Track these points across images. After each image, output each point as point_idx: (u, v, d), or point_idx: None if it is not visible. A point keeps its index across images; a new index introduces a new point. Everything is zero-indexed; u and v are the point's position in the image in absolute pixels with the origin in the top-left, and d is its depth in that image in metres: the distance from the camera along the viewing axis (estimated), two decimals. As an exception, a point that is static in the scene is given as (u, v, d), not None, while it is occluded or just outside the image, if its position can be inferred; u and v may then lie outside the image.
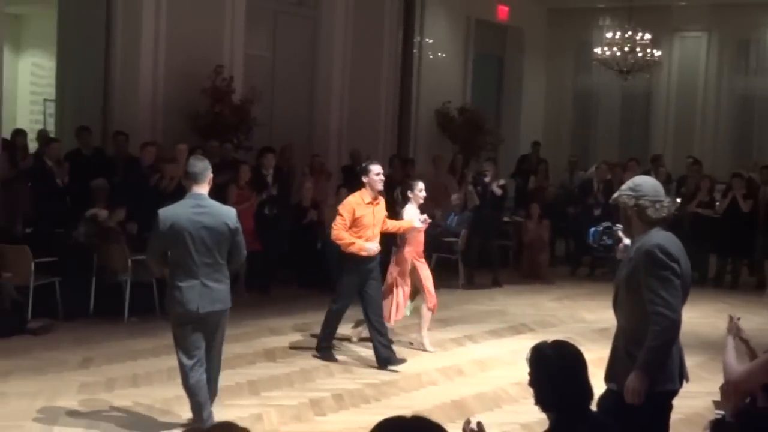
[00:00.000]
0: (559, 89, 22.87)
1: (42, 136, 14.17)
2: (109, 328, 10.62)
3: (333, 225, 9.67)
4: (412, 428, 3.00)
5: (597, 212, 16.18)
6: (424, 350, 10.45)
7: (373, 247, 9.54)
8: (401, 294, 10.28)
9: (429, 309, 10.47)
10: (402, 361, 9.71)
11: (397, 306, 10.28)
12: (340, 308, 9.82)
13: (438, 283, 14.44)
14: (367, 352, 10.21)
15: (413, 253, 10.30)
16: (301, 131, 16.86)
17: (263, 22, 16.40)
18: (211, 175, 7.30)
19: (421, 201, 10.39)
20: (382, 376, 9.32)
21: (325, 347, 9.92)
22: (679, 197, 15.54)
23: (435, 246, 14.69)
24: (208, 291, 7.07)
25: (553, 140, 21.57)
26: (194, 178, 7.17)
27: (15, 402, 7.95)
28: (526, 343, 10.63)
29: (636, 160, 17.44)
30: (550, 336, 10.24)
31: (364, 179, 9.67)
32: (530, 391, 8.38)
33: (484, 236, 15.02)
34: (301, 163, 15.34)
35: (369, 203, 9.64)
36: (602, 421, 4.20)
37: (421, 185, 10.46)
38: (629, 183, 5.41)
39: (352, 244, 9.50)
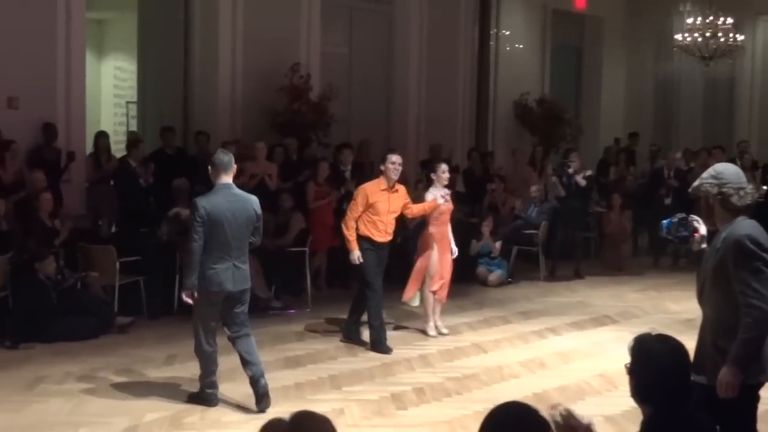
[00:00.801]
0: (639, 78, 22.53)
1: (130, 139, 14.40)
2: (191, 326, 10.73)
3: (348, 209, 10.02)
4: (521, 414, 3.18)
5: (668, 201, 15.96)
6: (440, 333, 10.63)
7: (353, 256, 9.83)
8: (415, 275, 10.56)
9: (432, 292, 10.55)
10: (389, 350, 9.86)
11: (408, 286, 10.63)
12: (370, 295, 9.95)
13: (519, 275, 14.51)
14: (447, 345, 10.21)
15: (437, 235, 10.39)
16: (379, 127, 16.91)
17: (339, 19, 16.48)
18: (236, 166, 7.99)
19: (445, 182, 10.50)
20: (464, 369, 9.28)
21: (352, 331, 10.28)
22: (765, 184, 15.23)
23: (515, 238, 14.62)
24: (238, 272, 7.74)
25: (633, 130, 21.24)
26: (223, 169, 7.77)
27: (104, 398, 8.11)
28: (608, 335, 10.72)
29: (721, 147, 17.13)
30: (633, 328, 10.21)
31: (382, 167, 9.95)
32: (614, 383, 8.44)
33: (569, 228, 14.87)
34: (379, 159, 15.34)
35: (384, 190, 9.88)
36: (701, 419, 4.10)
37: (444, 167, 10.59)
38: (710, 171, 5.28)
39: (347, 240, 9.86)
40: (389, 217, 9.93)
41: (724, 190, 5.10)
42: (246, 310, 7.97)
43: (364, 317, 10.21)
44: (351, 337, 10.24)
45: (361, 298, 10.12)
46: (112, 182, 13.05)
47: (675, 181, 16.06)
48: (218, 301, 7.76)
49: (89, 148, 13.17)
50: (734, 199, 5.09)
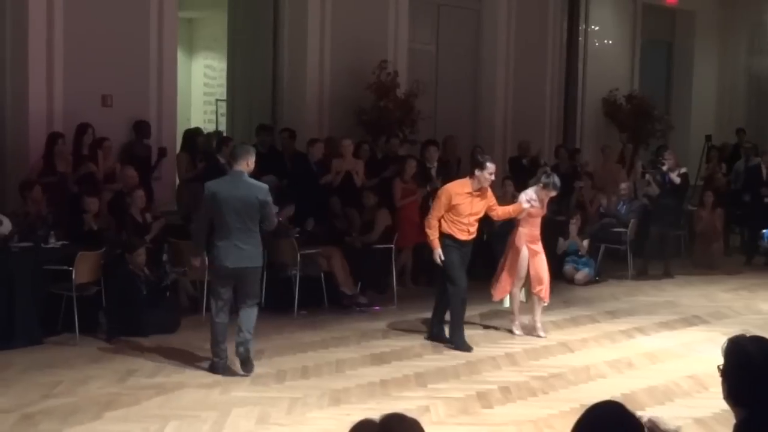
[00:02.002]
0: (732, 73, 22.09)
1: (218, 137, 14.57)
2: (279, 322, 10.87)
3: (431, 209, 9.97)
4: (620, 415, 3.17)
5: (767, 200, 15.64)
6: (537, 335, 10.47)
7: (435, 255, 9.77)
8: (505, 275, 10.50)
9: (535, 294, 10.46)
10: (469, 348, 9.83)
11: (500, 286, 10.56)
12: (453, 292, 9.89)
13: (606, 274, 14.35)
14: (533, 344, 10.16)
15: (527, 236, 10.32)
16: (466, 124, 16.89)
17: (426, 15, 16.49)
18: (251, 158, 8.82)
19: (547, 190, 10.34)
20: (550, 368, 9.22)
21: (438, 330, 10.21)
22: None
23: (603, 236, 14.47)
24: (238, 251, 8.59)
25: (725, 126, 20.84)
26: (233, 159, 8.93)
27: (192, 392, 8.24)
28: (698, 336, 10.56)
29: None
30: (724, 329, 10.05)
31: (477, 172, 9.78)
32: (704, 384, 8.30)
33: (662, 226, 14.65)
34: (466, 155, 15.32)
35: (469, 193, 9.77)
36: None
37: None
38: None
39: (429, 239, 9.83)
40: (471, 219, 9.84)
41: None
42: (252, 287, 8.82)
43: (448, 315, 10.19)
44: (437, 335, 10.20)
45: (443, 296, 10.10)
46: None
47: None
48: (223, 275, 8.72)
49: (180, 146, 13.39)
50: None
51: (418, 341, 10.24)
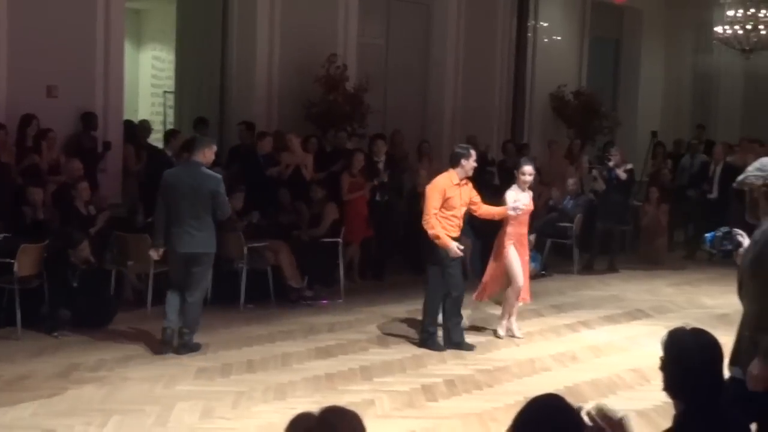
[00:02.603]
0: (678, 71, 22.34)
1: (143, 126, 14.43)
2: (226, 315, 10.82)
3: (425, 210, 9.52)
4: (557, 407, 3.21)
5: (712, 196, 15.84)
6: (513, 336, 10.32)
7: (455, 248, 9.47)
8: (492, 277, 10.26)
9: (512, 295, 10.20)
10: (471, 347, 9.70)
11: (484, 286, 10.34)
12: (433, 297, 9.71)
13: (552, 268, 14.46)
14: (479, 338, 10.21)
15: (514, 236, 10.08)
16: (415, 118, 16.91)
17: (376, 10, 16.49)
18: (209, 150, 9.31)
19: (527, 184, 10.18)
20: (495, 362, 9.28)
21: (427, 336, 9.79)
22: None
23: (549, 231, 14.57)
24: (190, 237, 9.07)
25: (672, 123, 21.08)
26: (189, 150, 9.67)
27: (136, 386, 8.18)
28: (642, 329, 10.67)
29: (759, 141, 16.96)
30: (667, 322, 10.13)
31: (463, 161, 9.55)
32: (647, 377, 8.39)
33: (608, 221, 14.80)
34: (413, 150, 15.36)
35: (457, 185, 9.61)
36: (733, 415, 4.06)
37: (526, 168, 10.14)
38: (756, 164, 5.26)
39: (439, 237, 9.43)
40: (462, 210, 9.68)
41: None
42: (202, 274, 9.27)
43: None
44: (456, 341, 9.81)
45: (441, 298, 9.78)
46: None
47: (719, 176, 15.85)
48: (177, 259, 9.23)
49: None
50: None
51: (364, 335, 10.25)
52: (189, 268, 9.19)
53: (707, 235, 5.76)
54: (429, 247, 9.56)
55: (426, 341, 9.72)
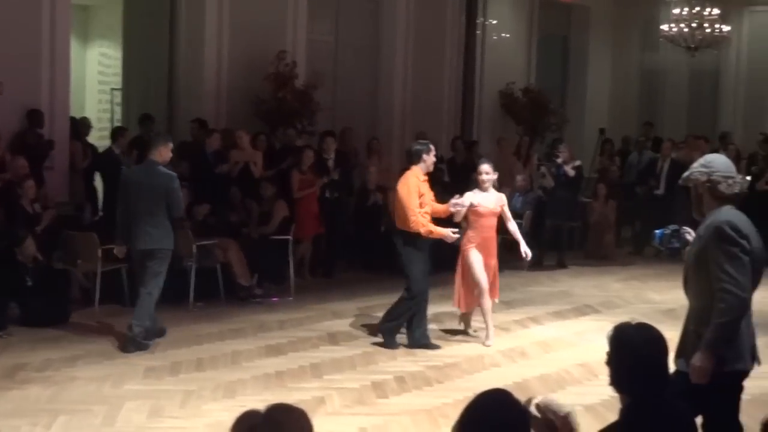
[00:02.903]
0: (625, 68, 22.56)
1: (83, 123, 14.34)
2: (175, 314, 10.73)
3: (408, 213, 9.31)
4: (503, 402, 3.23)
5: (659, 192, 16.01)
6: (469, 334, 10.21)
7: (450, 233, 9.43)
8: (460, 285, 9.92)
9: (483, 301, 9.84)
10: (436, 347, 9.66)
11: (460, 295, 9.99)
12: (417, 297, 9.57)
13: (502, 264, 14.43)
14: (430, 334, 10.22)
15: (475, 239, 9.77)
16: (365, 115, 16.91)
17: (326, 6, 16.45)
18: (164, 148, 9.46)
19: (485, 185, 9.81)
20: (445, 358, 9.31)
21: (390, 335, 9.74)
22: (749, 175, 15.27)
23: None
24: (146, 234, 9.27)
25: (619, 120, 21.28)
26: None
27: (83, 386, 8.10)
28: (590, 325, 10.76)
29: (705, 138, 17.18)
30: (615, 318, 10.22)
31: (425, 156, 9.50)
32: (594, 372, 8.47)
33: (557, 218, 14.90)
34: (363, 147, 15.36)
35: (423, 181, 9.57)
36: (678, 408, 4.11)
37: (483, 167, 9.88)
38: (701, 160, 5.37)
39: (432, 232, 9.39)
40: (430, 206, 9.62)
41: (712, 178, 5.17)
42: (155, 268, 9.33)
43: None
44: (420, 341, 9.70)
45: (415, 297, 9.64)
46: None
47: (667, 172, 16.04)
48: (135, 257, 9.47)
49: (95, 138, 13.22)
50: (722, 187, 5.15)
51: (314, 333, 10.23)
52: (143, 264, 9.37)
53: (656, 232, 5.84)
54: (407, 250, 9.45)
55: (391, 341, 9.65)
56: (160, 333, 9.75)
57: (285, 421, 2.99)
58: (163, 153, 9.47)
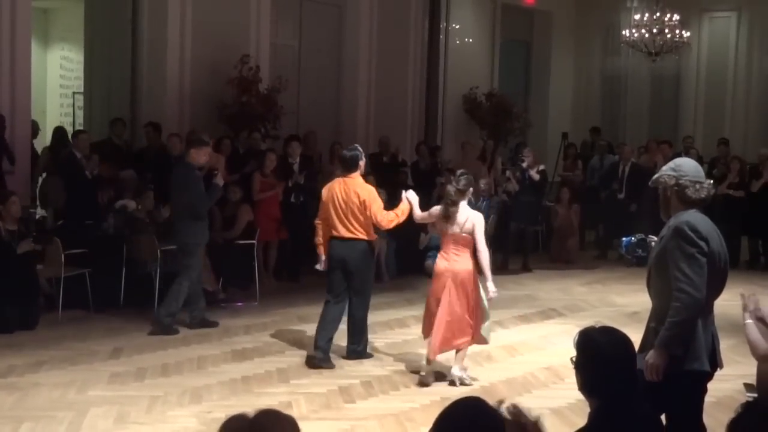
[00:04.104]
0: (587, 73, 22.71)
1: (59, 130, 14.31)
2: (140, 319, 10.67)
3: (378, 214, 8.91)
4: (477, 410, 3.21)
5: (621, 196, 16.12)
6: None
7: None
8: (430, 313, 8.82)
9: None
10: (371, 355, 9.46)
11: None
12: (365, 302, 9.33)
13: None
14: (395, 338, 10.24)
15: (440, 259, 8.74)
16: (329, 119, 16.89)
17: (289, 11, 16.43)
18: (193, 150, 10.15)
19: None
20: (412, 363, 9.29)
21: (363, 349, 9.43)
22: (710, 179, 15.38)
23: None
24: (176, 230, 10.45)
25: (581, 124, 21.42)
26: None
27: (48, 392, 8.03)
28: (555, 328, 10.81)
29: (668, 142, 17.35)
30: (579, 321, 10.29)
31: (361, 163, 9.10)
32: (560, 375, 8.50)
33: (521, 222, 14.97)
34: (326, 151, 15.34)
35: None
36: (647, 412, 4.13)
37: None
38: (670, 164, 5.44)
39: (397, 216, 9.01)
40: None
41: (681, 182, 5.24)
42: (183, 262, 10.27)
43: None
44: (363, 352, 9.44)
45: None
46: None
47: (627, 180, 16.22)
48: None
49: (46, 141, 13.06)
50: (689, 192, 5.21)
51: (280, 337, 10.20)
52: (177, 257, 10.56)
53: (623, 239, 5.89)
54: (366, 262, 9.17)
55: (363, 353, 9.40)
56: (208, 324, 10.43)
57: (271, 428, 2.96)
58: (194, 156, 10.20)
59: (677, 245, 5.08)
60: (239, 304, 11.78)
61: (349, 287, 9.17)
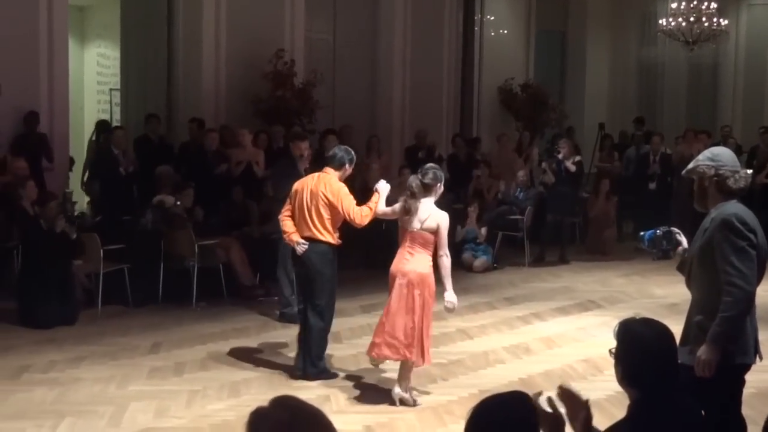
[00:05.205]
0: (623, 62, 22.56)
1: (101, 125, 14.46)
2: (178, 314, 10.74)
3: (351, 210, 8.19)
4: (506, 408, 3.20)
5: (652, 186, 16.00)
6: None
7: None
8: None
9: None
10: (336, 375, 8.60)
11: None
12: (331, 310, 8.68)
13: (504, 261, 14.51)
14: (433, 331, 10.19)
15: (396, 259, 7.93)
16: (364, 113, 16.89)
17: (323, 4, 16.45)
18: (292, 144, 10.53)
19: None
20: (449, 355, 9.28)
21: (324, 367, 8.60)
22: (749, 168, 15.23)
23: (500, 224, 14.63)
24: None
25: (618, 114, 21.29)
26: None
27: (88, 387, 8.09)
28: (593, 320, 10.75)
29: (707, 132, 17.20)
30: (618, 313, 10.22)
31: (347, 167, 8.45)
32: (599, 367, 8.46)
33: (558, 213, 14.90)
34: (363, 144, 15.33)
35: None
36: (687, 403, 4.09)
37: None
38: (707, 153, 5.31)
39: (371, 209, 8.21)
40: None
41: (720, 172, 5.13)
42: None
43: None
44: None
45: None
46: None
47: (658, 167, 16.18)
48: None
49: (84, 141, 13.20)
50: (730, 182, 5.12)
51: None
52: None
53: (646, 234, 5.71)
54: (322, 258, 8.42)
55: (323, 372, 8.51)
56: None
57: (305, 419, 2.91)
58: (293, 149, 10.58)
59: (725, 238, 4.99)
60: (276, 298, 11.78)
61: (307, 293, 8.45)
